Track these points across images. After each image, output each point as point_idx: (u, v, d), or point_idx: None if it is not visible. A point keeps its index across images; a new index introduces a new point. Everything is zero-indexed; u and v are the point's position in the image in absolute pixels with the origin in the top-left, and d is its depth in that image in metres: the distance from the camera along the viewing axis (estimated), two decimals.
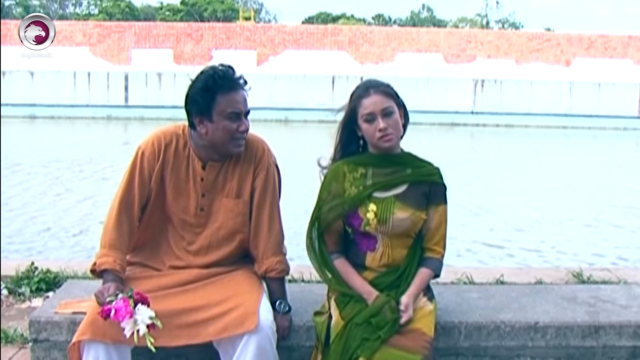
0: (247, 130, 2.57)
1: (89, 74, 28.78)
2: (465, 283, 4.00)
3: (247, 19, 51.46)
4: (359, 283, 2.58)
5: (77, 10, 65.00)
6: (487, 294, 3.17)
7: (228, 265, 2.69)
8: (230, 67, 2.58)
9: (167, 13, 60.26)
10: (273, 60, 33.66)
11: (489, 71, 32.05)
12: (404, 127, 2.64)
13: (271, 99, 26.81)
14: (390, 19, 72.06)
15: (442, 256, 2.67)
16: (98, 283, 2.55)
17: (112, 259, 2.51)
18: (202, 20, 50.26)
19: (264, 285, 2.71)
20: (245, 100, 2.57)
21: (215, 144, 2.57)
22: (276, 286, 2.69)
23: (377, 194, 2.60)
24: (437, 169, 2.68)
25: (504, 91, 29.09)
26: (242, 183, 2.66)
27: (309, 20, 62.64)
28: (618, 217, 8.73)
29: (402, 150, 2.69)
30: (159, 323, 2.28)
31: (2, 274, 4.06)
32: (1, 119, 8.13)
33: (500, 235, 7.59)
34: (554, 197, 10.23)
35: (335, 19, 62.88)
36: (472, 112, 28.39)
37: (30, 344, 2.83)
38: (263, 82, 27.27)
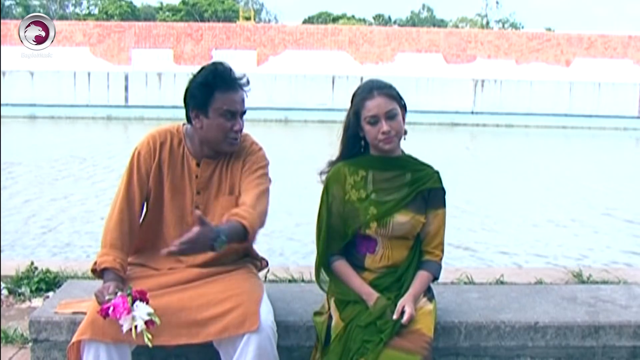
0: (241, 129, 2.60)
1: (89, 74, 28.80)
2: (465, 283, 4.00)
3: (247, 19, 51.48)
4: (359, 284, 2.58)
5: (77, 10, 65.00)
6: (487, 294, 3.17)
7: (228, 265, 2.69)
8: (230, 68, 2.60)
9: (167, 13, 60.27)
10: (273, 60, 33.67)
11: (489, 71, 32.06)
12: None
13: (271, 99, 26.83)
14: (390, 19, 72.07)
15: (441, 259, 2.68)
16: (98, 283, 2.56)
17: (112, 257, 2.52)
18: (202, 20, 50.25)
19: (264, 285, 2.71)
20: (242, 100, 2.59)
21: (208, 140, 2.60)
22: (228, 223, 2.39)
23: (377, 198, 2.61)
24: (437, 172, 2.68)
25: (504, 91, 29.11)
26: (234, 179, 2.67)
27: (309, 21, 62.65)
28: (617, 217, 8.73)
29: (403, 152, 2.70)
30: (157, 319, 2.29)
31: (2, 274, 4.06)
32: (1, 119, 8.12)
33: (499, 235, 7.60)
34: (553, 197, 10.22)
35: (335, 19, 62.88)
36: (472, 112, 28.42)
37: (30, 344, 2.83)
38: (263, 82, 27.29)
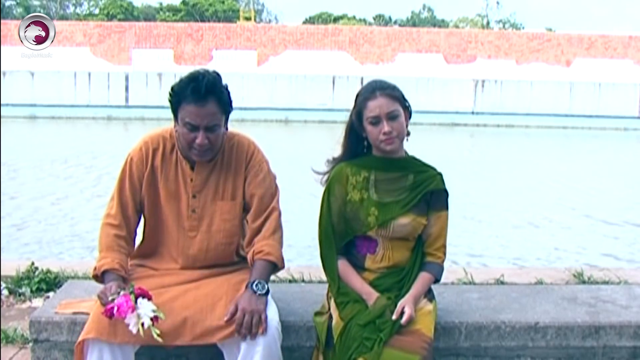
0: (203, 145, 2.49)
1: (89, 74, 28.83)
2: (465, 283, 4.00)
3: (248, 19, 51.49)
4: (359, 284, 2.58)
5: (78, 10, 65.00)
6: (487, 294, 3.17)
7: (228, 266, 2.69)
8: (217, 75, 2.52)
9: (168, 13, 60.26)
10: (273, 61, 33.68)
11: (489, 71, 32.08)
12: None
13: (271, 99, 26.86)
14: (390, 19, 72.02)
15: (443, 261, 2.68)
16: (98, 284, 2.56)
17: (110, 259, 2.52)
18: (202, 20, 50.25)
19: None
20: (210, 115, 2.47)
21: (180, 147, 2.61)
22: (259, 266, 2.55)
23: (379, 199, 2.61)
24: (440, 174, 2.67)
25: (504, 91, 29.13)
26: (236, 185, 2.66)
27: (310, 21, 62.62)
28: (617, 218, 8.72)
29: (406, 153, 2.69)
30: (161, 315, 2.30)
31: (2, 274, 4.06)
32: (1, 119, 8.12)
33: (499, 235, 7.59)
34: (553, 197, 10.22)
35: (336, 20, 62.87)
36: (473, 113, 28.44)
37: (30, 344, 2.83)
38: (263, 82, 27.33)
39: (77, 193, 9.78)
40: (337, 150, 2.73)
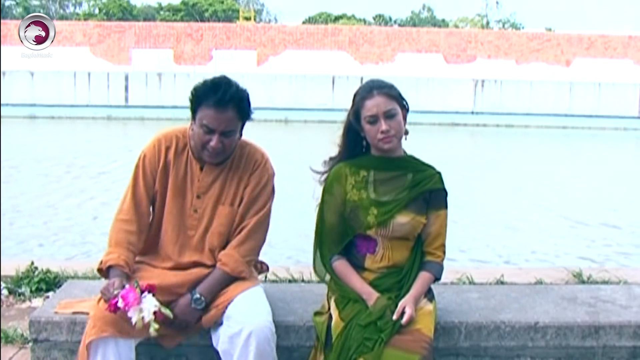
0: (216, 148, 2.55)
1: (89, 74, 28.82)
2: (465, 283, 4.00)
3: (248, 19, 51.45)
4: (359, 284, 2.58)
5: (78, 10, 65.00)
6: (487, 294, 3.17)
7: None
8: (242, 89, 2.59)
9: (167, 13, 60.24)
10: (273, 61, 33.69)
11: (489, 71, 32.09)
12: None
13: (271, 99, 26.83)
14: (390, 19, 71.98)
15: (443, 260, 2.68)
16: (98, 283, 2.57)
17: (117, 255, 2.55)
18: (202, 20, 50.25)
19: (262, 286, 2.74)
20: (227, 120, 2.53)
21: (193, 146, 2.64)
22: (215, 274, 2.61)
23: (377, 198, 2.61)
24: (439, 173, 2.68)
25: (504, 91, 29.14)
26: (237, 192, 2.69)
27: (310, 21, 62.60)
28: (616, 218, 8.72)
29: (404, 152, 2.69)
30: (167, 311, 2.35)
31: (2, 274, 4.06)
32: (1, 119, 8.11)
33: (498, 235, 7.59)
34: (552, 197, 10.22)
35: (335, 19, 62.86)
36: (473, 112, 28.44)
37: (30, 344, 2.83)
38: (263, 82, 27.30)
39: (77, 193, 9.77)
40: (335, 150, 2.73)
